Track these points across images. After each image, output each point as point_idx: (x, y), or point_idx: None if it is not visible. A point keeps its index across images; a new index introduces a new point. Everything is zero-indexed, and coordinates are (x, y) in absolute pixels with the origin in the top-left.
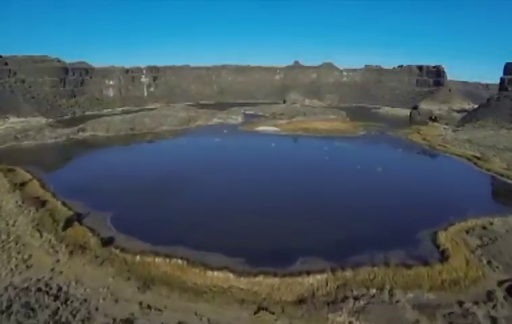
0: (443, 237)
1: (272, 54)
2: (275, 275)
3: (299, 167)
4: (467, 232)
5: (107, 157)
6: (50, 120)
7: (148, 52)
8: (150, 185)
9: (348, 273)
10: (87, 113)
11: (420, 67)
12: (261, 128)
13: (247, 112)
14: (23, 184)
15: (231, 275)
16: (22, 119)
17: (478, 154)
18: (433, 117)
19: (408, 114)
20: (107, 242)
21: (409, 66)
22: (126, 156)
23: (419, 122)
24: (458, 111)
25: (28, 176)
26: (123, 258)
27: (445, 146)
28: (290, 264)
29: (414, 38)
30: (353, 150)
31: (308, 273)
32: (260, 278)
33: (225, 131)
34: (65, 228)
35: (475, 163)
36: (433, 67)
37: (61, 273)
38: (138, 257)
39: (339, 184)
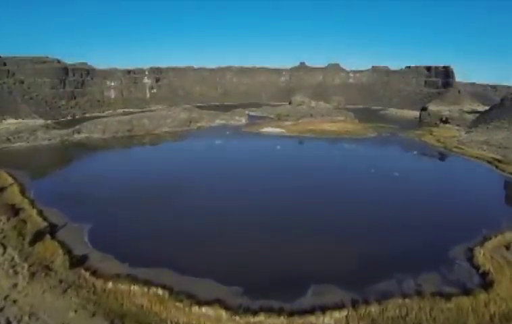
0: (481, 256)
1: (277, 55)
2: (280, 312)
3: (307, 172)
4: (507, 248)
5: (97, 161)
6: (49, 122)
7: (151, 54)
8: (139, 193)
9: (374, 308)
10: (87, 114)
11: (428, 68)
12: (265, 130)
13: (251, 113)
14: (1, 189)
15: (223, 313)
16: (20, 121)
17: (499, 157)
18: (443, 119)
19: (418, 115)
20: (77, 262)
21: (417, 67)
22: (118, 160)
23: (429, 124)
24: (469, 113)
25: (10, 180)
26: (92, 285)
27: (461, 148)
28: (300, 295)
29: (421, 38)
30: (365, 153)
31: (323, 309)
32: (261, 317)
33: (227, 132)
34: (33, 243)
35: (496, 166)
36: (442, 67)
37: (14, 302)
38: (110, 284)
39: (353, 192)
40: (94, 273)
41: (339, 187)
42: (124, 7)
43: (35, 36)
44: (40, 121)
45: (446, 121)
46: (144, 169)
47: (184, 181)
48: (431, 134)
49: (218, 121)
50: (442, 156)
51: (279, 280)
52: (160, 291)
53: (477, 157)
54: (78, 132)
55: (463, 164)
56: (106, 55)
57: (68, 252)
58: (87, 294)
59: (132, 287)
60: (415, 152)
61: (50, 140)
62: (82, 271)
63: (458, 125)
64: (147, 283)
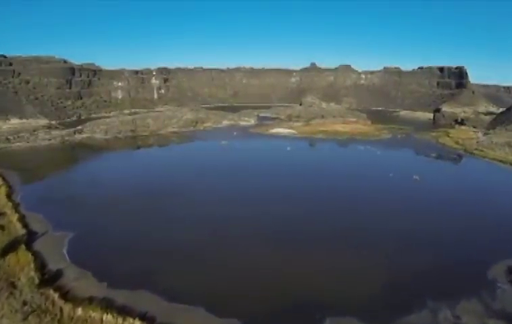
0: None
1: (288, 56)
2: None
3: (320, 177)
4: None
5: (95, 163)
6: (53, 122)
7: (159, 54)
8: (133, 199)
9: None
10: (93, 115)
11: (441, 69)
12: (275, 130)
13: (261, 114)
14: None
15: None
16: (24, 121)
17: None
18: (459, 120)
19: (431, 117)
20: (48, 280)
21: (430, 67)
22: (117, 162)
23: (444, 125)
24: (485, 114)
25: None
26: (59, 309)
27: (482, 151)
28: None
29: (433, 38)
30: (381, 155)
31: None
32: None
33: (235, 133)
34: (5, 253)
35: None
36: (456, 68)
37: None
38: (80, 310)
39: (372, 199)
40: (65, 295)
41: (356, 194)
42: (133, 7)
43: (43, 36)
44: (44, 122)
45: (461, 123)
46: (142, 173)
47: (184, 186)
48: (448, 136)
49: (226, 122)
50: (464, 159)
51: (287, 310)
52: None
53: (501, 160)
54: (80, 132)
55: (486, 167)
56: (114, 56)
57: (41, 266)
58: (51, 322)
59: (104, 316)
60: (434, 155)
61: (50, 140)
62: (51, 292)
63: (474, 127)
64: (124, 310)
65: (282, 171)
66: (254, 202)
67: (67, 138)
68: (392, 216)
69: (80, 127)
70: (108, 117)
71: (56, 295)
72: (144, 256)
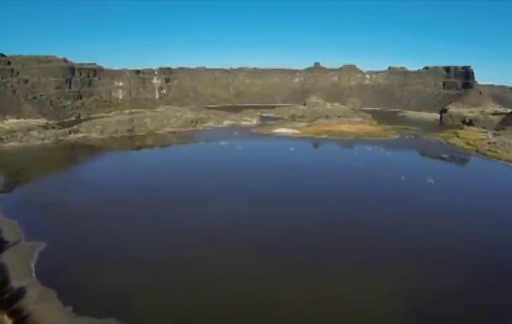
0: None
1: (291, 56)
2: None
3: (327, 180)
4: None
5: (85, 164)
6: (50, 122)
7: (161, 54)
8: (119, 205)
9: None
10: (93, 115)
11: (447, 68)
12: (278, 130)
13: (264, 114)
14: None
15: None
16: (21, 120)
17: None
18: (467, 121)
19: (437, 117)
20: (6, 301)
21: (435, 67)
22: (108, 164)
23: (452, 126)
24: (493, 114)
25: None
26: None
27: (496, 152)
28: None
29: (438, 38)
30: (391, 157)
31: None
32: None
33: (235, 133)
34: None
35: None
36: (462, 67)
37: None
38: None
39: (385, 206)
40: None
41: (367, 200)
42: (136, 6)
43: (45, 36)
44: (41, 121)
45: (469, 123)
46: (132, 177)
47: (174, 192)
48: (457, 136)
49: (227, 122)
50: (477, 161)
51: None
52: None
53: None
54: (75, 132)
55: (503, 170)
56: (116, 56)
57: (3, 282)
58: None
59: None
60: (446, 156)
61: (43, 140)
62: (5, 318)
63: (483, 127)
64: None
65: (286, 173)
66: (253, 213)
67: (61, 138)
68: (414, 226)
69: (75, 127)
70: (108, 117)
71: (10, 322)
72: (121, 273)
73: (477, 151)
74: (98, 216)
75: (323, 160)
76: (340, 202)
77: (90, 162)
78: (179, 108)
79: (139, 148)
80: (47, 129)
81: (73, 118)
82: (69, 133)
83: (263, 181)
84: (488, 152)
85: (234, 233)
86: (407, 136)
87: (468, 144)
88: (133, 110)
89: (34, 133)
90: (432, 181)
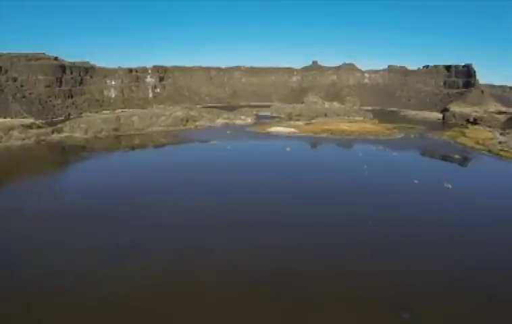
0: None
1: (289, 54)
2: None
3: (328, 184)
4: None
5: (57, 168)
6: (38, 121)
7: (156, 53)
8: (74, 216)
9: None
10: (84, 114)
11: (448, 67)
12: (274, 129)
13: (260, 113)
14: None
15: None
16: (7, 120)
17: None
18: (471, 120)
19: (439, 117)
20: None
21: (436, 66)
22: (87, 166)
23: (455, 125)
24: (497, 113)
25: None
26: None
27: (509, 152)
28: None
29: (439, 37)
30: (398, 158)
31: None
32: None
33: (228, 132)
34: None
35: None
36: (463, 66)
37: None
38: None
39: (400, 218)
40: None
41: (377, 209)
42: (130, 4)
43: (35, 34)
44: (28, 121)
45: (474, 123)
46: (104, 181)
47: (155, 199)
48: (464, 136)
49: (220, 120)
50: (492, 162)
51: None
52: None
53: None
54: (58, 131)
55: None
56: (109, 54)
57: None
58: None
59: None
60: (457, 157)
61: (24, 140)
62: None
63: (488, 127)
64: None
65: (279, 176)
66: (236, 227)
67: (43, 138)
68: (431, 244)
69: (59, 126)
70: (94, 115)
71: None
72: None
73: (489, 151)
74: (50, 229)
75: (323, 162)
76: (346, 213)
77: (64, 164)
78: (169, 107)
79: (125, 147)
80: (32, 128)
81: (63, 117)
82: (52, 132)
83: (251, 186)
84: (501, 152)
85: (209, 259)
86: (412, 135)
87: (477, 143)
88: (125, 109)
89: (15, 133)
90: (450, 186)
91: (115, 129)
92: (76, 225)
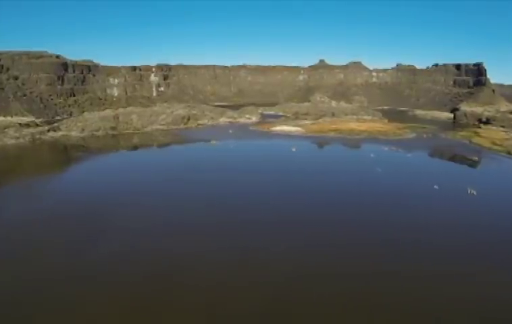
0: None
1: (295, 52)
2: None
3: (339, 192)
4: None
5: (45, 168)
6: (40, 120)
7: (161, 51)
8: (49, 226)
9: None
10: (86, 113)
11: (458, 66)
12: (279, 128)
13: (265, 112)
14: None
15: None
16: (8, 118)
17: None
18: (484, 119)
19: (450, 116)
20: None
21: (445, 65)
22: (76, 169)
23: (466, 125)
24: (510, 113)
25: None
26: None
27: None
28: None
29: (448, 35)
30: (413, 159)
31: None
32: None
33: (230, 131)
34: None
35: None
36: (474, 65)
37: None
38: None
39: (425, 233)
40: None
41: (397, 220)
42: (133, 3)
43: (39, 32)
44: (28, 119)
45: (487, 122)
46: (90, 185)
47: (132, 208)
48: (479, 136)
49: (223, 119)
50: None
51: None
52: None
53: None
54: (55, 130)
55: None
56: (113, 53)
57: None
58: None
59: None
60: (476, 158)
61: (18, 139)
62: None
63: (502, 126)
64: None
65: (284, 181)
66: (240, 242)
67: (38, 137)
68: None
69: (56, 124)
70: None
71: None
72: None
73: (508, 153)
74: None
75: (332, 164)
76: (364, 226)
77: (53, 165)
78: (172, 105)
79: (122, 147)
80: (30, 127)
81: (64, 116)
82: (48, 131)
83: (250, 194)
84: None
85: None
86: (425, 135)
87: (494, 144)
88: (128, 108)
89: (10, 131)
90: (474, 192)
91: (113, 128)
92: (49, 236)
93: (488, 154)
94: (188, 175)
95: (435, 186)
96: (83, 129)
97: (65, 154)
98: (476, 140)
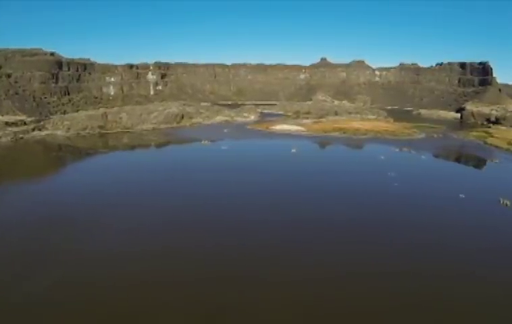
0: None
1: (296, 50)
2: None
3: (350, 205)
4: None
5: (23, 170)
6: (31, 119)
7: (159, 49)
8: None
9: None
10: (81, 112)
11: (463, 65)
12: (278, 127)
13: (265, 111)
14: None
15: None
16: None
17: None
18: (492, 119)
19: (456, 116)
20: None
21: (450, 63)
22: (51, 171)
23: (474, 124)
24: None
25: None
26: None
27: None
28: None
29: (453, 33)
30: (428, 162)
31: None
32: None
33: (225, 130)
34: None
35: None
36: (479, 63)
37: None
38: None
39: (459, 258)
40: None
41: (421, 241)
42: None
43: (33, 29)
44: (17, 118)
45: (496, 122)
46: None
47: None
48: (491, 136)
49: (220, 118)
50: None
51: None
52: None
53: None
54: (40, 129)
55: None
56: (110, 51)
57: None
58: None
59: None
60: (496, 161)
61: (0, 137)
62: None
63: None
64: None
65: (282, 187)
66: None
67: (21, 136)
68: None
69: (41, 123)
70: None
71: None
72: None
73: None
74: None
75: (338, 168)
76: (385, 252)
77: (31, 167)
78: (165, 103)
79: (103, 148)
80: (16, 126)
81: (57, 115)
82: (33, 130)
83: (237, 207)
84: None
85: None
86: (435, 135)
87: (511, 144)
88: (125, 107)
89: None
90: (508, 203)
91: (101, 127)
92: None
93: (508, 156)
94: (165, 183)
95: (460, 195)
96: (69, 128)
97: (47, 154)
98: (490, 140)
